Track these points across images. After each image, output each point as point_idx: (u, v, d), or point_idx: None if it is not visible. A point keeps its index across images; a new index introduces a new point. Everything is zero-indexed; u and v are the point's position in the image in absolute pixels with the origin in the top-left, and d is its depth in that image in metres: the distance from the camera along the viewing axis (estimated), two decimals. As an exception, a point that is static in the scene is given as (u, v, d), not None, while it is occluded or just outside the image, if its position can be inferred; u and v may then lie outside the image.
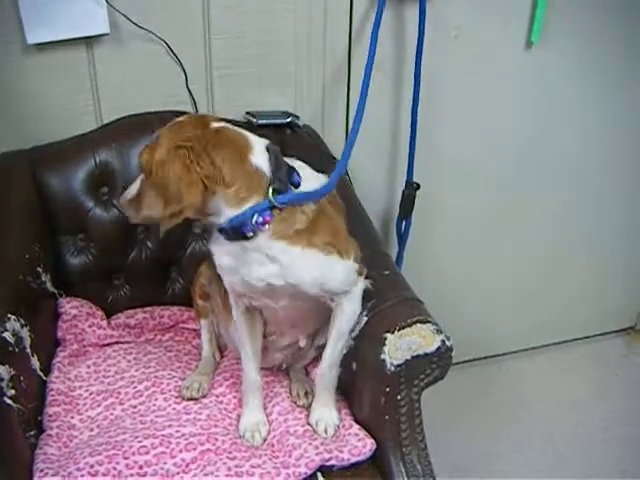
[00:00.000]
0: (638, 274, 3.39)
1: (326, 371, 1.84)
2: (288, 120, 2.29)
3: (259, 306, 1.80)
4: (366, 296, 1.78)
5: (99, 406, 1.89)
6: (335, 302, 1.76)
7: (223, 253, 1.67)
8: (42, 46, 2.12)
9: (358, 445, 1.75)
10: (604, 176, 2.99)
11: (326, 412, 1.84)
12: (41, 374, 1.90)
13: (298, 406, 1.91)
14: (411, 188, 2.49)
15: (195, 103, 2.30)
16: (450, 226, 2.81)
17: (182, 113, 2.22)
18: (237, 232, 1.58)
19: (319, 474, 1.70)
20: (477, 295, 3.00)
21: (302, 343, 1.93)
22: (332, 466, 1.72)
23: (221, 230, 1.61)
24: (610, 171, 3.00)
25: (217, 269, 1.74)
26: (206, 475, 1.65)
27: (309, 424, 1.83)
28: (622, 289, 3.38)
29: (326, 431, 1.80)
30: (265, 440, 1.81)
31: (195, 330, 2.18)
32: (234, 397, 1.95)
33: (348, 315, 1.78)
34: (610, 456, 2.68)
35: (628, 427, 2.84)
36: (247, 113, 2.30)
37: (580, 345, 3.36)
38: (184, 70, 2.25)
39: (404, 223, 2.59)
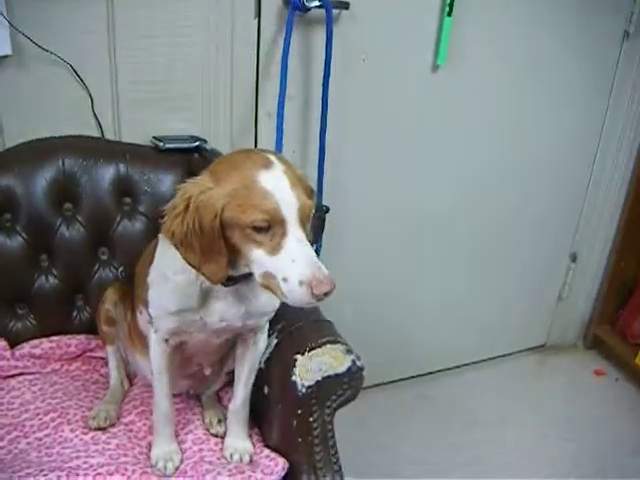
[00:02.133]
0: (548, 296, 3.51)
1: (239, 408, 1.84)
2: (196, 144, 2.27)
3: (189, 342, 1.77)
4: (275, 319, 1.77)
5: (2, 440, 1.82)
6: (254, 335, 1.77)
7: (184, 295, 1.62)
8: (-61, 70, 2.06)
9: (270, 464, 1.76)
10: (518, 190, 3.08)
11: (240, 444, 1.84)
12: (-60, 409, 1.83)
13: (212, 434, 1.90)
14: (321, 211, 2.49)
15: (101, 127, 2.26)
16: (363, 247, 2.82)
17: (88, 138, 2.22)
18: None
19: (232, 500, 1.68)
20: (395, 316, 3.02)
21: (207, 372, 1.92)
22: (246, 490, 1.70)
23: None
24: (524, 184, 3.08)
25: (155, 311, 1.70)
26: (116, 507, 1.61)
27: (224, 457, 1.82)
28: (533, 309, 3.48)
29: (241, 460, 1.79)
30: (177, 469, 1.78)
31: (103, 358, 2.13)
32: (144, 425, 1.91)
33: (261, 349, 1.81)
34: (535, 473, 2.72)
35: (539, 446, 2.90)
36: (154, 137, 2.27)
37: (495, 364, 3.43)
38: (89, 94, 2.20)
39: (314, 247, 2.58)
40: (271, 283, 1.42)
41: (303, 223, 1.42)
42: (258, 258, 1.42)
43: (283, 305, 1.62)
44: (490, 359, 3.43)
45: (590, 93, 3.03)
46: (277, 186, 1.40)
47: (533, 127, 2.95)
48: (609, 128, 3.15)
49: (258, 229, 1.39)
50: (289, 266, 1.38)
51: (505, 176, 3.01)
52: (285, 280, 1.38)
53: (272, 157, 1.46)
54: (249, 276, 1.50)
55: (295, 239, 1.39)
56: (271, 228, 1.39)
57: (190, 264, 1.48)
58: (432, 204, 2.89)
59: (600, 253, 3.44)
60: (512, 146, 2.96)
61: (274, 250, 1.39)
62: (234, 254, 1.47)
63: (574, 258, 3.42)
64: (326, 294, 1.37)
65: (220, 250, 1.44)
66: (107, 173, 2.17)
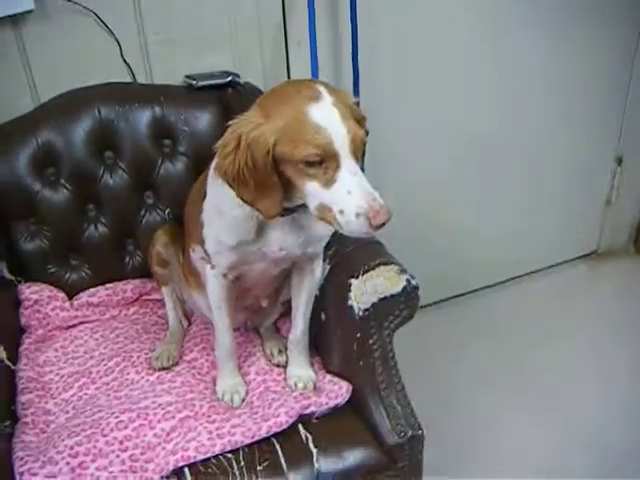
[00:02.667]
0: (596, 201, 3.44)
1: (299, 338, 1.86)
2: (229, 79, 2.25)
3: (247, 274, 1.78)
4: (327, 244, 1.77)
5: (72, 388, 1.87)
6: (312, 263, 1.77)
7: (241, 228, 1.62)
8: (-36, 30, 2.05)
9: (334, 389, 1.78)
10: (557, 96, 3.01)
11: (302, 372, 1.85)
12: (9, 364, 1.88)
13: (274, 365, 1.93)
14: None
15: (132, 73, 2.25)
16: (405, 170, 2.79)
17: (121, 84, 2.21)
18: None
19: (300, 425, 1.71)
20: (442, 233, 2.98)
21: (264, 303, 1.94)
22: (312, 415, 1.73)
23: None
24: (564, 89, 3.01)
25: (213, 247, 1.70)
26: (188, 442, 1.65)
27: (288, 386, 1.84)
28: (582, 216, 3.42)
29: (305, 387, 1.81)
30: (244, 401, 1.81)
31: (159, 300, 2.16)
32: (206, 361, 1.95)
33: (318, 276, 1.81)
34: (585, 387, 2.72)
35: (597, 350, 2.90)
36: (186, 77, 2.26)
37: (547, 274, 3.40)
38: (117, 40, 2.19)
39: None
40: (327, 215, 1.41)
41: (356, 154, 1.40)
42: (312, 191, 1.41)
43: (334, 231, 1.61)
44: (542, 269, 3.39)
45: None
46: (328, 119, 1.37)
47: (571, 34, 2.88)
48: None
49: (311, 163, 1.37)
50: (345, 198, 1.37)
51: (546, 83, 2.93)
52: (342, 212, 1.38)
53: (321, 88, 1.43)
54: (304, 206, 1.49)
55: (348, 171, 1.38)
56: (324, 162, 1.37)
57: (244, 201, 1.47)
58: (474, 120, 2.84)
59: (647, 154, 3.36)
60: (552, 53, 2.88)
61: (328, 183, 1.39)
62: (288, 188, 1.45)
63: (620, 161, 3.34)
64: (383, 224, 1.37)
65: (274, 185, 1.43)
66: (143, 117, 2.17)
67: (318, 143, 1.36)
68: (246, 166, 1.40)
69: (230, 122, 1.45)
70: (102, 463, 1.60)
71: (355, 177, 1.38)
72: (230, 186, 1.46)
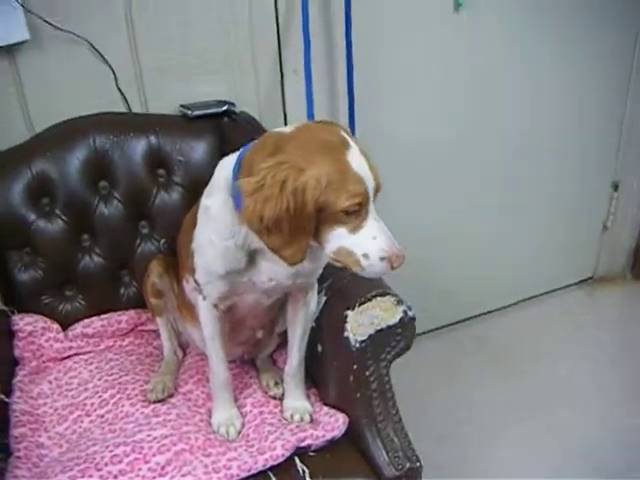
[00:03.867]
0: (593, 227, 3.45)
1: (295, 370, 1.84)
2: (224, 109, 2.25)
3: (239, 305, 1.77)
4: (322, 276, 1.75)
5: (66, 421, 1.85)
6: (305, 295, 1.76)
7: (231, 258, 1.60)
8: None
9: (331, 421, 1.76)
10: (555, 121, 3.03)
11: (299, 404, 1.84)
12: (2, 396, 1.86)
13: (270, 397, 1.91)
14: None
15: (127, 101, 2.25)
16: (402, 192, 2.77)
17: (116, 113, 2.20)
18: None
19: (297, 458, 1.69)
20: (439, 261, 2.97)
21: (259, 334, 1.93)
22: (309, 448, 1.71)
23: None
24: (568, 126, 3.04)
25: (203, 277, 1.68)
26: (183, 476, 1.62)
27: (284, 418, 1.82)
28: (579, 242, 3.43)
29: (302, 420, 1.79)
30: (240, 433, 1.79)
31: (155, 331, 2.14)
32: (202, 392, 1.92)
33: (313, 309, 1.80)
34: (582, 412, 2.71)
35: (592, 376, 2.89)
36: (182, 106, 2.26)
37: (544, 300, 3.41)
38: (112, 68, 2.20)
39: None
40: (347, 258, 1.44)
41: (374, 200, 1.44)
42: (337, 236, 1.43)
43: (328, 262, 1.61)
44: (540, 295, 3.41)
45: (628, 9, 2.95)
46: (362, 168, 1.41)
47: (564, 58, 2.90)
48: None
49: (349, 212, 1.40)
50: (370, 243, 1.42)
51: (541, 108, 2.96)
52: (366, 256, 1.42)
53: (344, 133, 1.45)
54: None
55: (374, 217, 1.43)
56: (359, 210, 1.40)
57: (270, 247, 1.46)
58: (469, 139, 2.86)
59: (643, 180, 3.37)
60: (547, 79, 2.90)
61: (355, 228, 1.42)
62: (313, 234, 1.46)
63: (616, 187, 3.36)
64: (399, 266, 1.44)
65: (307, 233, 1.43)
66: (139, 146, 2.17)
67: (359, 192, 1.39)
68: (287, 212, 1.38)
69: (263, 165, 1.40)
70: (96, 498, 1.58)
71: (379, 223, 1.44)
72: (258, 232, 1.44)
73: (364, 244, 1.42)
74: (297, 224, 1.40)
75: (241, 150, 1.58)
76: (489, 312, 3.28)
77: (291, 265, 1.48)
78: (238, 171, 1.51)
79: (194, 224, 1.69)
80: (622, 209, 3.41)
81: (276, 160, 1.39)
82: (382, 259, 1.42)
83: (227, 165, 1.58)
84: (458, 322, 3.22)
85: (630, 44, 3.02)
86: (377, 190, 1.44)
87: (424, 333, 2.95)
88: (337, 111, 2.50)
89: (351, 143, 1.43)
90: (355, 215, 1.40)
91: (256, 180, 1.39)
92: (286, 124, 2.44)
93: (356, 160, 1.40)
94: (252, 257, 1.60)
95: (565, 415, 2.67)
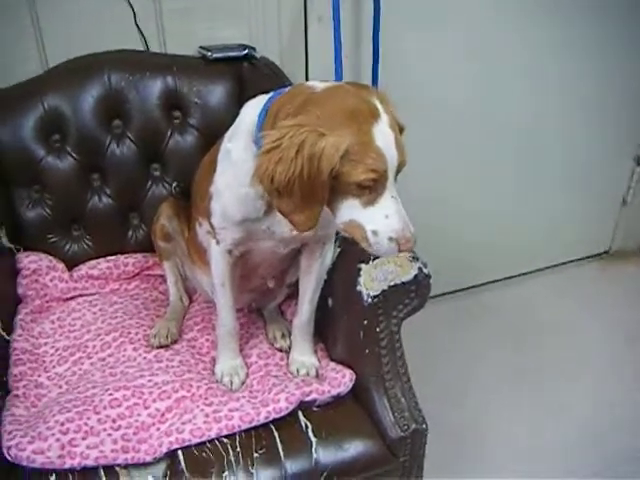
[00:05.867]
0: (612, 201, 3.39)
1: (305, 323, 1.81)
2: (245, 53, 2.19)
3: (254, 252, 1.73)
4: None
5: (66, 362, 1.83)
6: (322, 247, 1.73)
7: (250, 205, 1.56)
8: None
9: (337, 377, 1.73)
10: (579, 91, 2.95)
11: (306, 359, 1.81)
12: (3, 334, 1.84)
13: (276, 349, 1.88)
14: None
15: (145, 40, 2.19)
16: (418, 151, 2.71)
17: (133, 51, 2.15)
18: None
19: (300, 413, 1.66)
20: (454, 226, 2.93)
21: (271, 284, 1.89)
22: (313, 403, 1.68)
23: None
24: (585, 83, 2.95)
25: (219, 222, 1.64)
26: (183, 423, 1.60)
27: (290, 372, 1.79)
28: (597, 215, 3.37)
29: (308, 375, 1.76)
30: (243, 384, 1.76)
31: (162, 276, 2.11)
32: (207, 340, 1.90)
33: (328, 262, 1.76)
34: (588, 387, 2.68)
35: (603, 352, 2.86)
36: (201, 48, 2.20)
37: (557, 272, 3.35)
38: (131, 5, 2.13)
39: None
40: (355, 232, 1.40)
41: (395, 177, 1.39)
42: (349, 208, 1.39)
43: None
44: (553, 266, 3.35)
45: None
46: (386, 143, 1.35)
47: (589, 32, 2.82)
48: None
49: (363, 186, 1.35)
50: (382, 221, 1.37)
51: (564, 81, 2.88)
52: (375, 233, 1.37)
53: (377, 102, 1.38)
54: None
55: (390, 195, 1.37)
56: (374, 185, 1.35)
57: (280, 210, 1.42)
58: (491, 104, 2.79)
59: (666, 155, 3.29)
60: (570, 52, 2.82)
61: (369, 203, 1.37)
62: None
63: (639, 161, 3.29)
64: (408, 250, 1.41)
65: (320, 200, 1.38)
66: (155, 87, 2.12)
67: (377, 168, 1.34)
68: (300, 177, 1.33)
69: (283, 123, 1.37)
70: (93, 441, 1.55)
71: (395, 202, 1.38)
72: (268, 192, 1.40)
73: (375, 221, 1.37)
74: (310, 190, 1.35)
75: (271, 94, 1.53)
76: (501, 279, 3.23)
77: (301, 231, 1.45)
78: (264, 118, 1.47)
79: (213, 165, 1.65)
80: (643, 184, 3.34)
81: (297, 121, 1.34)
82: (391, 239, 1.37)
83: (254, 109, 1.52)
84: (470, 287, 3.18)
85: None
86: (400, 168, 1.39)
87: (435, 297, 2.90)
88: (360, 63, 2.44)
89: (382, 114, 1.36)
90: (370, 190, 1.35)
91: (273, 139, 1.34)
92: (307, 73, 2.39)
93: (382, 133, 1.35)
94: (271, 206, 1.54)
95: (571, 388, 2.64)
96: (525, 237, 3.17)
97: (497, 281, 3.22)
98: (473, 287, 3.19)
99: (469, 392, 2.60)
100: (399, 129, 1.42)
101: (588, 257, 3.47)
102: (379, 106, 1.38)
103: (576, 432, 2.45)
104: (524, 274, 3.29)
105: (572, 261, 3.41)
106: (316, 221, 1.41)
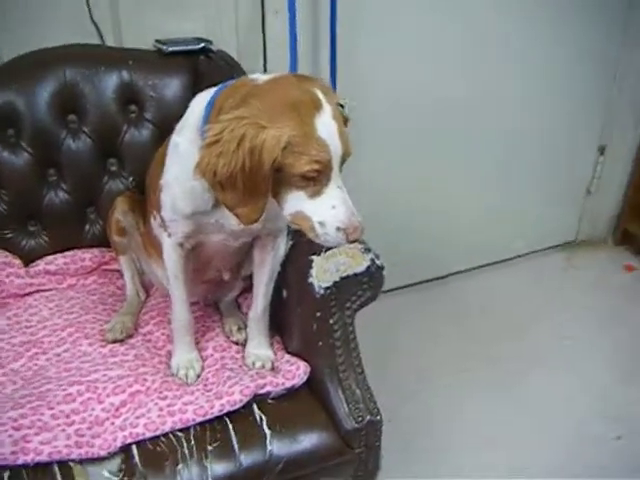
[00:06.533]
0: (576, 191, 3.41)
1: (260, 316, 1.81)
2: (201, 46, 2.18)
3: (206, 245, 1.73)
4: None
5: (22, 357, 1.81)
6: (274, 240, 1.73)
7: (199, 198, 1.56)
8: None
9: (292, 369, 1.74)
10: (541, 81, 2.96)
11: (261, 351, 1.81)
12: (-43, 330, 1.82)
13: (232, 342, 1.88)
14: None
15: (101, 34, 2.18)
16: (379, 142, 2.70)
17: (89, 45, 2.13)
18: None
19: (255, 405, 1.66)
20: (419, 218, 2.94)
21: (226, 277, 1.89)
22: (267, 395, 1.69)
23: None
24: (546, 74, 2.96)
25: (169, 215, 1.64)
26: (137, 418, 1.60)
27: (245, 365, 1.79)
28: (562, 205, 3.40)
29: (263, 367, 1.76)
30: (199, 377, 1.76)
31: (119, 271, 2.09)
32: (162, 334, 1.89)
33: (281, 254, 1.77)
34: (556, 376, 2.69)
35: (563, 339, 2.88)
36: (157, 41, 2.18)
37: (523, 262, 3.37)
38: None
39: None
40: (303, 223, 1.41)
41: (341, 167, 1.40)
42: (295, 200, 1.40)
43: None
44: (519, 256, 3.37)
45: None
46: (330, 134, 1.35)
47: (556, 20, 2.83)
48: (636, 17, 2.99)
49: (307, 177, 1.35)
50: (328, 212, 1.38)
51: (530, 69, 2.90)
52: (322, 224, 1.39)
53: (319, 93, 1.39)
54: None
55: (336, 185, 1.38)
56: (318, 176, 1.36)
57: (225, 204, 1.43)
58: (451, 96, 2.78)
59: (630, 145, 3.31)
60: (536, 39, 2.84)
61: (315, 194, 1.38)
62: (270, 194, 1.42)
63: (602, 151, 3.31)
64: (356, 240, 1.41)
65: (263, 193, 1.38)
66: (110, 81, 2.11)
67: (320, 160, 1.35)
68: (242, 170, 1.34)
69: (224, 116, 1.36)
70: (46, 437, 1.55)
71: (341, 192, 1.39)
72: (212, 186, 1.40)
73: (321, 212, 1.38)
74: (252, 183, 1.36)
75: (218, 87, 1.53)
76: (465, 271, 3.24)
77: (246, 224, 1.45)
78: (210, 111, 1.47)
79: (164, 158, 1.65)
80: (607, 174, 3.36)
81: (238, 114, 1.34)
82: (338, 229, 1.38)
83: (201, 102, 1.53)
84: (434, 279, 3.18)
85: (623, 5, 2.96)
86: (345, 158, 1.39)
87: (396, 289, 2.92)
88: (318, 57, 2.43)
89: (324, 104, 1.37)
90: (314, 181, 1.36)
91: (215, 132, 1.34)
92: (265, 67, 2.38)
93: (325, 124, 1.35)
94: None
95: (537, 379, 2.65)
96: (491, 228, 3.18)
97: (461, 272, 3.23)
98: (438, 278, 3.19)
99: (429, 384, 2.59)
100: (343, 120, 1.41)
101: (554, 247, 3.49)
102: (321, 97, 1.38)
103: (545, 422, 2.47)
104: (489, 265, 3.29)
105: (538, 251, 3.43)
106: (260, 214, 1.41)
